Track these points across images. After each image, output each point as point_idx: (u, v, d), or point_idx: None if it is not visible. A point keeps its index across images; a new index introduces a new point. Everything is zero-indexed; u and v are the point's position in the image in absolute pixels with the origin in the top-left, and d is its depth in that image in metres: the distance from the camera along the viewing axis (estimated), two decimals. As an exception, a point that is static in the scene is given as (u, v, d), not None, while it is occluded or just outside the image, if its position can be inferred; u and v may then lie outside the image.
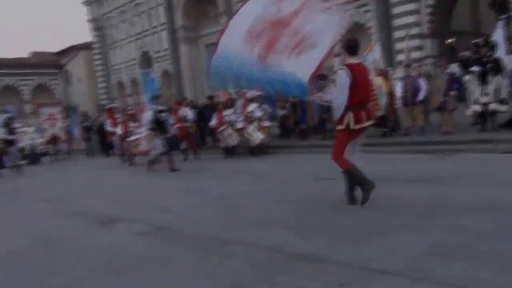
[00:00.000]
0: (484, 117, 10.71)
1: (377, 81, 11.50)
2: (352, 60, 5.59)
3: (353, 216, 5.24)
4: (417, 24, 21.24)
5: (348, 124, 5.50)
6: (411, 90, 11.46)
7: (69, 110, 29.77)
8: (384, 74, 12.15)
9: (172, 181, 10.16)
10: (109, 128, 16.76)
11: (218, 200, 7.16)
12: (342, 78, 5.42)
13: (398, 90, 11.67)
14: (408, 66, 12.14)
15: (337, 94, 5.53)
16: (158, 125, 11.48)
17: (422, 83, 11.43)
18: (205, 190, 8.26)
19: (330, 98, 6.30)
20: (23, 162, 16.19)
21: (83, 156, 20.84)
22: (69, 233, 6.08)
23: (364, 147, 8.66)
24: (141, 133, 12.54)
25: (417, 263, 3.55)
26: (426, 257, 3.67)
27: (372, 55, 12.64)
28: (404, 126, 11.94)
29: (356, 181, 5.56)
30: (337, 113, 5.60)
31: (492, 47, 10.57)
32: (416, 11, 21.23)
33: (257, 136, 12.12)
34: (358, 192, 5.58)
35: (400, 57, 20.90)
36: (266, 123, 12.93)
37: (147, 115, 11.65)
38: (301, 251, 4.16)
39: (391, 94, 11.79)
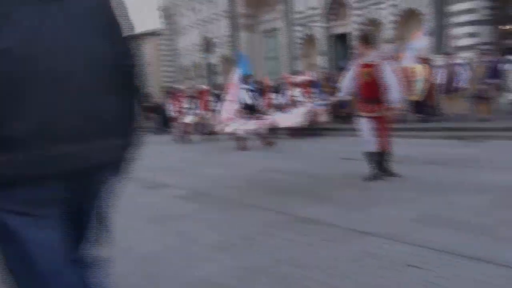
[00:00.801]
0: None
1: (417, 68, 11.91)
2: (361, 61, 6.32)
3: (360, 190, 5.96)
4: (472, 10, 20.97)
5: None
6: (451, 77, 11.78)
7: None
8: (425, 61, 12.50)
9: (215, 155, 11.27)
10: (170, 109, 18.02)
11: (252, 173, 8.07)
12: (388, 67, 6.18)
13: (439, 77, 12.00)
14: (448, 54, 12.41)
15: (392, 79, 6.19)
16: (249, 104, 12.01)
17: (463, 71, 11.73)
18: (242, 164, 9.21)
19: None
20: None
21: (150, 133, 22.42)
22: (120, 194, 7.13)
23: (401, 131, 9.34)
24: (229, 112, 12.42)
25: (400, 228, 4.16)
26: (410, 224, 4.29)
27: (417, 44, 12.96)
28: (444, 112, 12.27)
29: (369, 163, 6.38)
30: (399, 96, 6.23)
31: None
32: (473, -3, 20.91)
33: (298, 120, 12.83)
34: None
35: (457, 43, 20.88)
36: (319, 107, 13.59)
37: (240, 94, 11.96)
38: (306, 215, 4.90)
39: (430, 81, 12.12)
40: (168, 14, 40.65)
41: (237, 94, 11.94)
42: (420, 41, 12.82)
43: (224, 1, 33.81)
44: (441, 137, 10.47)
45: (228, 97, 12.09)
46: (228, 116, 12.13)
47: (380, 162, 6.44)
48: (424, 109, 12.47)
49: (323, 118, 13.67)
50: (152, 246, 4.31)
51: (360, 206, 5.14)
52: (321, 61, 27.84)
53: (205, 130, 15.91)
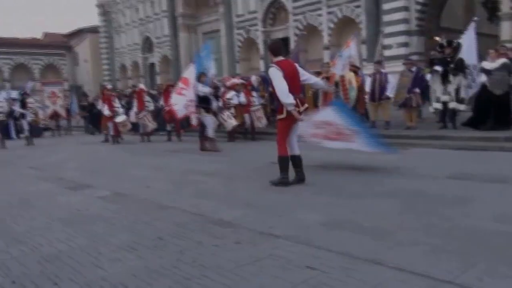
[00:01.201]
0: (445, 115, 11.43)
1: (348, 76, 12.24)
2: (279, 59, 6.46)
3: (280, 194, 6.07)
4: (405, 20, 21.85)
5: (288, 112, 6.34)
6: (379, 86, 12.19)
7: (72, 89, 30.85)
8: (356, 70, 12.87)
9: (144, 157, 11.23)
10: (100, 107, 17.77)
11: (177, 175, 8.11)
12: (275, 72, 6.29)
13: (367, 85, 12.40)
14: (378, 62, 12.85)
15: (278, 85, 6.30)
16: (205, 103, 11.58)
17: (391, 80, 12.17)
18: (169, 166, 9.21)
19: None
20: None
21: (82, 132, 22.03)
22: (43, 193, 7.06)
23: None
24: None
25: (307, 232, 4.29)
26: (318, 228, 4.43)
27: (348, 51, 13.31)
28: (371, 120, 12.64)
29: (281, 168, 6.49)
30: (286, 99, 6.28)
31: (456, 48, 11.22)
32: (405, 8, 21.82)
33: (230, 123, 12.90)
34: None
35: (388, 52, 21.70)
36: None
37: (195, 91, 11.34)
38: (221, 218, 4.97)
39: (361, 89, 12.50)
40: (106, 11, 39.80)
41: (191, 89, 11.44)
42: (350, 49, 13.18)
43: (164, 1, 33.53)
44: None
45: (179, 90, 11.75)
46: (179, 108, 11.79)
47: (299, 166, 6.64)
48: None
49: (263, 122, 13.77)
50: (60, 246, 4.28)
51: (275, 210, 5.24)
52: (261, 64, 28.13)
53: (141, 131, 15.73)
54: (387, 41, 21.70)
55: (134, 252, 3.98)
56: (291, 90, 6.28)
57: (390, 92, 12.09)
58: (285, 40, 26.12)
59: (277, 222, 4.73)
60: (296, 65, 6.79)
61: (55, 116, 21.21)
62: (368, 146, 7.58)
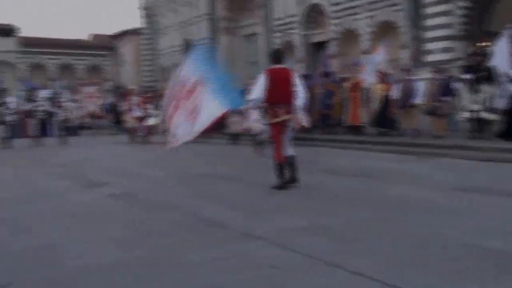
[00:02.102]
0: (475, 124, 11.06)
1: (377, 86, 12.17)
2: (274, 66, 6.67)
3: (274, 198, 6.24)
4: (448, 25, 21.29)
5: (270, 119, 6.64)
6: (407, 93, 11.95)
7: (113, 90, 31.71)
8: (383, 77, 12.70)
9: (165, 158, 11.31)
10: (122, 108, 18.35)
11: (189, 178, 8.40)
12: (261, 78, 6.57)
13: (394, 92, 12.18)
14: (406, 69, 12.61)
15: (254, 88, 6.68)
16: None
17: (419, 87, 11.91)
18: (184, 169, 9.36)
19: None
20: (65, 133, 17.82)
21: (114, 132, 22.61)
22: (58, 190, 7.41)
23: (356, 144, 9.55)
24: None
25: (286, 234, 4.40)
26: (299, 231, 4.52)
27: (377, 57, 13.18)
28: (400, 127, 12.42)
29: (276, 174, 6.62)
30: (251, 104, 6.87)
31: (487, 55, 10.87)
32: (448, 12, 21.25)
33: (257, 126, 12.90)
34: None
35: (430, 57, 21.20)
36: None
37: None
38: (212, 218, 5.19)
39: (389, 96, 12.31)
40: (149, 14, 40.68)
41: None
42: (379, 55, 13.03)
43: (204, 4, 33.98)
44: (393, 152, 10.60)
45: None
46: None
47: (288, 170, 6.72)
48: (384, 123, 12.65)
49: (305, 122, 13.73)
50: (56, 235, 4.68)
51: (263, 213, 5.39)
52: (299, 68, 28.01)
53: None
54: (429, 46, 21.22)
55: (119, 245, 4.26)
56: (276, 97, 6.49)
57: (418, 99, 11.83)
58: (321, 44, 26.00)
59: (262, 224, 4.86)
60: (291, 74, 6.82)
61: (91, 115, 21.79)
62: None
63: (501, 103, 10.82)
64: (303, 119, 11.19)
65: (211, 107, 6.52)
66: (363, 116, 13.10)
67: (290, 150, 6.72)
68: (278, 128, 6.61)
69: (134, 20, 56.07)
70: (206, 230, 4.71)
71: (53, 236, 4.64)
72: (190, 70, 6.95)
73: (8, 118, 15.25)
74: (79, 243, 4.36)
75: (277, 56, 6.84)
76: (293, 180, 6.70)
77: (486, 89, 10.69)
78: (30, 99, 16.75)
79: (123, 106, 18.35)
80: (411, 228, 4.51)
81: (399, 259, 3.61)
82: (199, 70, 6.79)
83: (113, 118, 21.80)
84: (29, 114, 16.38)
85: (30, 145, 15.95)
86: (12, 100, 16.23)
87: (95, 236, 4.61)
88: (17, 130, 15.89)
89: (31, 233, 4.82)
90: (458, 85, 11.37)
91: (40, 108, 17.09)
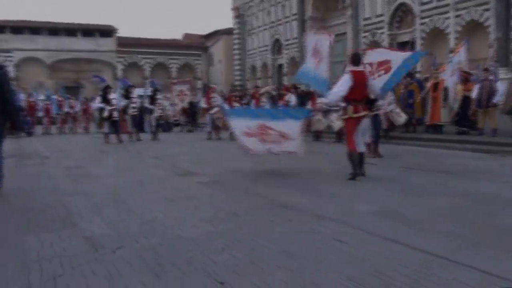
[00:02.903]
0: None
1: (457, 87, 12.48)
2: (355, 68, 7.35)
3: (345, 187, 6.93)
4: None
5: (349, 113, 7.36)
6: (487, 93, 12.11)
7: (204, 88, 33.38)
8: (467, 76, 12.93)
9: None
10: (202, 105, 19.61)
11: (269, 168, 9.08)
12: (345, 78, 7.25)
13: (475, 92, 12.38)
14: (487, 69, 12.71)
15: (336, 87, 7.37)
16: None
17: (499, 86, 12.04)
18: (269, 161, 10.17)
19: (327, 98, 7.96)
20: (158, 129, 19.26)
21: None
22: (156, 178, 8.45)
23: (436, 142, 10.07)
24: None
25: (354, 217, 5.10)
26: (366, 215, 5.20)
27: (458, 57, 13.36)
28: (479, 127, 12.59)
29: (351, 163, 7.38)
30: (330, 97, 7.69)
31: None
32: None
33: (338, 124, 13.58)
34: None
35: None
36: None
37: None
38: (286, 202, 5.95)
39: (469, 97, 12.58)
40: (241, 14, 42.23)
41: None
42: (460, 55, 13.19)
43: (295, 5, 34.88)
44: (472, 150, 10.84)
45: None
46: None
47: (360, 163, 7.47)
48: (465, 122, 12.90)
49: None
50: (157, 214, 5.54)
51: (336, 199, 6.09)
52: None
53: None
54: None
55: (209, 222, 5.08)
56: (356, 96, 7.28)
57: (497, 99, 11.97)
58: (407, 43, 25.99)
59: (333, 207, 5.58)
60: (367, 76, 7.58)
61: (183, 112, 23.27)
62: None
63: None
64: (399, 118, 11.87)
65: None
66: (444, 115, 13.36)
67: (361, 147, 7.47)
68: (355, 122, 7.38)
69: (226, 20, 57.76)
70: (282, 211, 5.44)
71: (156, 215, 5.49)
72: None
73: (115, 115, 16.53)
74: (178, 221, 5.18)
75: (356, 59, 7.54)
76: (362, 174, 7.45)
77: None
78: (126, 96, 17.81)
79: (203, 103, 19.45)
80: (472, 216, 5.00)
81: (454, 239, 4.14)
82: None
83: (190, 116, 23.21)
84: (124, 110, 17.41)
85: (129, 139, 17.26)
86: (115, 97, 17.22)
87: (190, 215, 5.44)
88: (118, 126, 16.95)
89: (137, 212, 5.71)
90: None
91: (136, 105, 18.35)
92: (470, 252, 3.79)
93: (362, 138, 7.55)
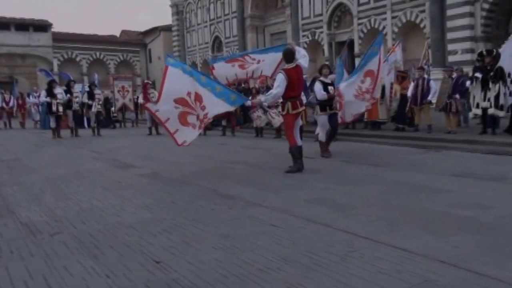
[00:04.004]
0: (485, 121, 11.67)
1: (394, 87, 12.92)
2: (288, 66, 7.53)
3: (285, 179, 7.06)
4: (470, 26, 21.67)
5: (288, 110, 7.53)
6: (422, 91, 12.58)
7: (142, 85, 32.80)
8: (404, 75, 13.39)
9: (193, 147, 12.20)
10: (141, 100, 20.01)
11: (210, 162, 9.24)
12: (280, 77, 7.43)
13: (410, 90, 12.83)
14: (421, 68, 13.21)
15: (275, 88, 7.50)
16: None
17: (433, 85, 12.54)
18: (210, 156, 10.20)
19: (266, 97, 8.13)
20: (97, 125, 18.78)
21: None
22: (95, 169, 8.41)
23: (377, 138, 10.26)
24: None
25: (290, 204, 5.27)
26: (302, 203, 5.38)
27: (394, 56, 13.80)
28: (415, 123, 13.04)
29: (292, 157, 7.60)
30: (271, 99, 7.83)
31: (495, 57, 11.43)
32: (471, 14, 21.64)
33: (278, 120, 13.67)
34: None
35: (451, 58, 21.66)
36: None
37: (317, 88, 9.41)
38: (228, 193, 6.07)
39: (405, 95, 13.03)
40: (180, 11, 41.85)
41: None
42: (396, 55, 13.65)
43: (234, 2, 34.93)
44: (410, 145, 11.20)
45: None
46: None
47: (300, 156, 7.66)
48: (402, 119, 13.33)
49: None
50: (95, 202, 5.61)
51: (276, 189, 6.25)
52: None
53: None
54: (451, 46, 21.72)
55: (148, 209, 5.19)
56: (293, 93, 7.48)
57: (431, 97, 12.46)
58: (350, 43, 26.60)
59: (271, 196, 5.77)
60: (302, 71, 7.72)
61: (123, 109, 22.81)
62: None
63: (509, 101, 11.43)
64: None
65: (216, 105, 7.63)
66: (381, 113, 13.74)
67: (299, 141, 7.68)
68: (294, 118, 7.59)
69: (165, 17, 57.17)
70: (223, 201, 5.56)
71: (94, 203, 5.58)
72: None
73: (60, 109, 16.25)
74: (116, 208, 5.28)
75: (289, 56, 7.60)
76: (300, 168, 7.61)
77: (495, 88, 11.26)
78: (68, 91, 17.36)
79: (142, 99, 19.55)
80: (398, 201, 5.30)
81: (379, 222, 4.43)
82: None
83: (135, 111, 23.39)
84: (68, 105, 16.95)
85: (70, 136, 16.95)
86: (60, 91, 16.86)
87: (128, 203, 5.54)
88: (60, 121, 16.73)
89: (75, 200, 5.77)
90: (468, 84, 12.01)
91: (77, 100, 17.89)
92: (391, 232, 4.08)
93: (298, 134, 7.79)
